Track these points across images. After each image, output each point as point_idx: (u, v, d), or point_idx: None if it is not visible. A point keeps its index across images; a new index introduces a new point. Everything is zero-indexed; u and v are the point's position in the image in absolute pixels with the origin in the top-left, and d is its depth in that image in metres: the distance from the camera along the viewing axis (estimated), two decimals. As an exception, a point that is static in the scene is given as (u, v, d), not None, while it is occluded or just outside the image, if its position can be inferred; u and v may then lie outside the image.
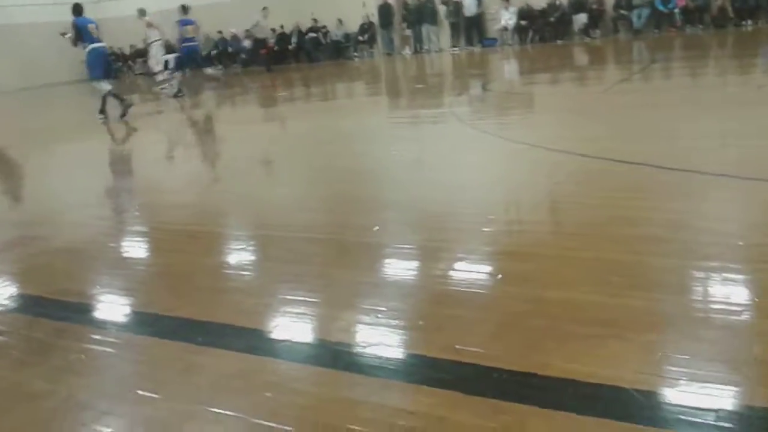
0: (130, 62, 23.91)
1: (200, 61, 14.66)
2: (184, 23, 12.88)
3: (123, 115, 9.81)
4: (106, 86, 9.80)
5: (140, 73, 22.49)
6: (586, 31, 16.64)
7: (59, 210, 4.89)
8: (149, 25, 14.17)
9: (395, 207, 3.94)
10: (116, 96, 9.92)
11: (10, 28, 21.54)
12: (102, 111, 9.83)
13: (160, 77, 14.19)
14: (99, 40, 9.68)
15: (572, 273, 2.60)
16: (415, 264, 2.99)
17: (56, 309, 2.79)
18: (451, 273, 2.76)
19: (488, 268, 2.84)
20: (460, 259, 2.90)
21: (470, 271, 2.77)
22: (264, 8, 17.93)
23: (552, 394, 1.80)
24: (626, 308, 2.24)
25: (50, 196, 5.58)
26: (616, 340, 2.03)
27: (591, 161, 4.41)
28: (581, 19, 16.70)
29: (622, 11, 16.23)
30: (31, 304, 2.92)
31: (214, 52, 21.70)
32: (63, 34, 9.92)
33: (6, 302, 2.97)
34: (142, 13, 14.29)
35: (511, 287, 2.55)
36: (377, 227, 3.52)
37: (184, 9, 13.03)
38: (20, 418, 1.93)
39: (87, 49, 9.57)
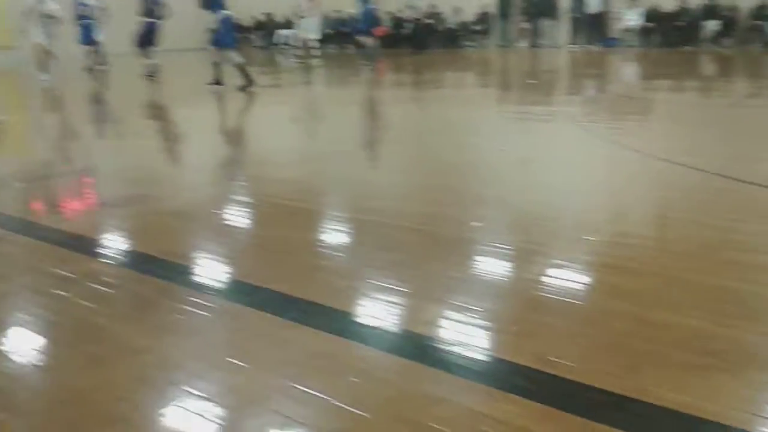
0: (247, 34, 24.61)
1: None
2: None
3: (243, 89, 9.74)
4: (237, 57, 9.72)
5: (259, 46, 23.18)
6: (716, 38, 15.71)
7: (174, 172, 5.12)
8: None
9: (496, 204, 3.87)
10: (243, 69, 9.78)
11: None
12: (218, 82, 9.79)
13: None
14: (228, 8, 9.69)
15: (680, 295, 2.46)
16: (511, 265, 2.93)
17: (162, 268, 2.91)
18: (549, 279, 2.68)
19: (589, 279, 2.73)
20: (560, 266, 2.81)
21: (569, 280, 2.68)
22: None
23: (647, 422, 1.71)
24: (737, 340, 2.10)
25: (167, 159, 5.85)
26: (722, 374, 1.91)
27: (709, 178, 4.17)
28: (712, 25, 15.77)
29: (758, 21, 15.20)
30: (140, 261, 3.07)
31: (329, 31, 22.03)
32: None
33: (118, 256, 3.14)
34: None
35: (613, 302, 2.44)
36: (476, 223, 3.47)
37: None
38: (118, 371, 2.03)
39: (220, 17, 9.46)
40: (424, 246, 3.14)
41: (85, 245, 3.26)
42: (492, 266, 2.90)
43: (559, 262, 2.85)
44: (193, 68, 15.50)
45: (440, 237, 3.26)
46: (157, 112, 9.20)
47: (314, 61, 14.76)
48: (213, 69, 9.79)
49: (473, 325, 2.28)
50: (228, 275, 2.88)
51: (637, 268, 2.77)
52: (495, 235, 3.27)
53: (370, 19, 13.96)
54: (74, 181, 4.93)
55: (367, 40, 14.23)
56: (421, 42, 20.05)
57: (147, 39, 11.91)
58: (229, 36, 9.68)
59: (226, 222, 3.76)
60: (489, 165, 5.02)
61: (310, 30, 15.20)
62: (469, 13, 19.69)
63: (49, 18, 11.42)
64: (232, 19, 9.81)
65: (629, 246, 3.08)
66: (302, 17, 15.34)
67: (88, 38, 13.56)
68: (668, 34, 16.39)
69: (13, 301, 2.64)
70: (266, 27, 23.59)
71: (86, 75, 13.47)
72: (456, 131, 6.54)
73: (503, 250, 3.05)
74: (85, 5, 13.32)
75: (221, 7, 9.49)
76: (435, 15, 20.11)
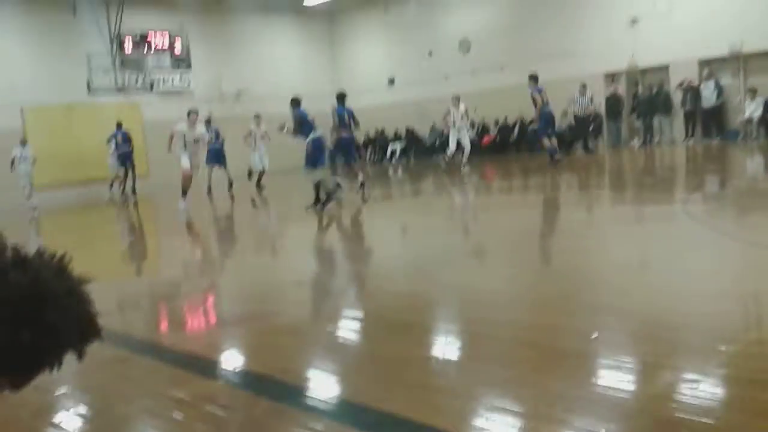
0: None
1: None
2: None
3: (315, 206, 9.62)
4: (318, 175, 9.90)
5: (372, 160, 24.15)
6: None
7: (286, 288, 5.25)
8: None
9: (616, 313, 3.64)
10: (317, 188, 9.73)
11: (269, 117, 24.32)
12: (320, 200, 9.70)
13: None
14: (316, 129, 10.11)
15: (838, 417, 2.17)
16: (636, 381, 2.71)
17: (275, 388, 2.92)
18: (680, 397, 2.44)
19: (727, 395, 2.47)
20: (692, 381, 2.56)
21: (704, 398, 2.43)
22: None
23: None
24: None
25: (278, 274, 6.04)
26: None
27: None
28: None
29: None
30: (254, 381, 3.10)
31: (438, 142, 22.66)
32: (281, 129, 10.60)
33: (233, 377, 3.20)
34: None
35: (758, 421, 2.18)
36: (595, 334, 3.27)
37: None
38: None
39: (310, 138, 9.89)
40: (541, 361, 2.99)
41: (202, 366, 3.35)
42: (615, 382, 2.69)
43: (690, 376, 2.61)
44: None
45: (557, 350, 3.10)
46: (273, 230, 9.62)
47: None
48: (314, 189, 9.83)
49: (597, 451, 2.09)
50: (339, 395, 2.84)
51: (783, 383, 2.48)
52: (617, 347, 3.06)
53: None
54: (196, 301, 5.15)
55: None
56: (529, 146, 20.12)
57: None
58: (320, 155, 10.02)
59: (338, 338, 3.76)
60: (605, 271, 4.80)
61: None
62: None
63: (196, 143, 12.33)
64: (321, 139, 10.16)
65: (771, 358, 2.78)
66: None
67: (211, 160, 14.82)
68: (794, 123, 15.54)
69: (132, 425, 2.72)
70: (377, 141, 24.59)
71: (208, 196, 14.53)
72: (567, 236, 6.36)
73: (628, 364, 2.84)
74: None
75: (311, 129, 9.99)
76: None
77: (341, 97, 10.76)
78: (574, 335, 3.29)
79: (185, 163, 12.33)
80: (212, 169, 15.17)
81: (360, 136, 16.42)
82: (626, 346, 3.08)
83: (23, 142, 15.73)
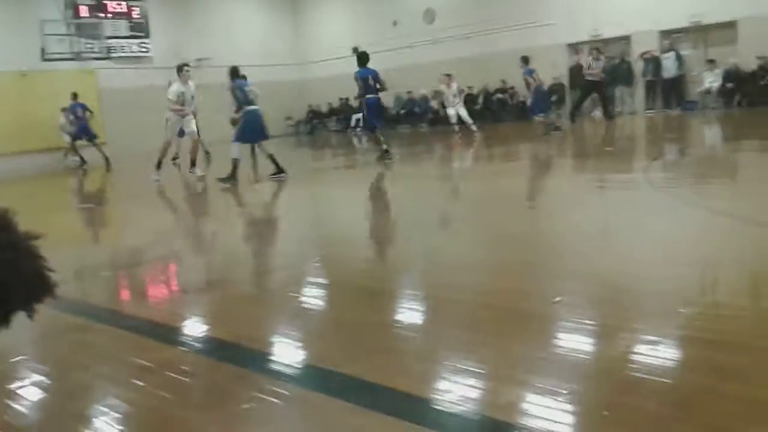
0: (324, 119, 25.57)
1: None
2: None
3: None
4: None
5: (335, 130, 24.03)
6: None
7: (251, 256, 5.20)
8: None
9: (578, 278, 3.69)
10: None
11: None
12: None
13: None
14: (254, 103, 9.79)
15: (790, 373, 2.23)
16: (597, 343, 2.75)
17: (239, 355, 2.90)
18: (640, 358, 2.49)
19: (684, 356, 2.53)
20: (651, 343, 2.61)
21: (662, 358, 2.48)
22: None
23: None
24: None
25: (241, 241, 5.97)
26: None
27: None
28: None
29: None
30: (217, 348, 3.06)
31: (402, 111, 22.58)
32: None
33: (196, 343, 3.16)
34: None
35: (716, 382, 2.23)
36: (558, 298, 3.31)
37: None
38: (192, 462, 1.98)
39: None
40: (503, 324, 3.01)
41: (164, 333, 3.30)
42: (577, 344, 2.73)
43: (650, 338, 2.66)
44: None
45: (521, 314, 3.13)
46: (240, 198, 9.50)
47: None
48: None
49: (559, 409, 2.12)
50: (303, 360, 2.83)
51: (740, 342, 2.55)
52: (579, 310, 3.10)
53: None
54: (158, 269, 5.07)
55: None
56: (494, 116, 20.20)
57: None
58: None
59: (302, 305, 3.74)
60: (568, 237, 4.85)
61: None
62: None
63: (193, 100, 11.63)
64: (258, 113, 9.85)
65: (729, 318, 2.85)
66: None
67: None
68: (750, 94, 15.85)
69: (91, 392, 2.66)
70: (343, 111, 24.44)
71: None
72: (533, 203, 6.41)
73: (588, 327, 2.88)
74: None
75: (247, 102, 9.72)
76: (506, 90, 20.28)
77: (363, 58, 10.57)
78: (537, 299, 3.32)
79: (192, 127, 11.57)
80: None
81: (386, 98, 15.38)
82: (588, 309, 3.12)
83: None
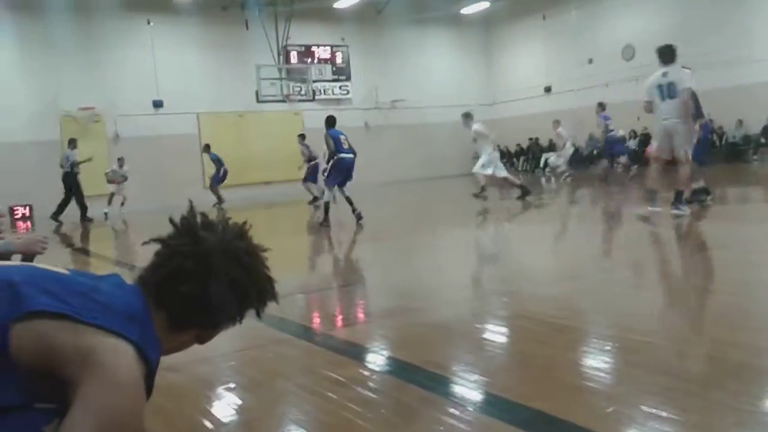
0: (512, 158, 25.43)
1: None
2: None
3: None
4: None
5: (522, 170, 23.79)
6: None
7: (437, 286, 5.30)
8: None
9: (798, 330, 3.32)
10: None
11: (424, 127, 24.72)
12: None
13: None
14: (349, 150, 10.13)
15: None
16: (822, 402, 2.44)
17: (424, 378, 2.95)
18: None
19: None
20: None
21: None
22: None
23: None
24: None
25: (431, 273, 6.10)
26: None
27: None
28: None
29: None
30: (403, 369, 3.15)
31: (596, 151, 21.84)
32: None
33: (381, 364, 3.27)
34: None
35: None
36: (773, 350, 2.99)
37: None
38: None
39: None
40: (709, 373, 2.78)
41: (354, 352, 3.46)
42: (796, 401, 2.45)
43: None
44: (459, 191, 16.28)
45: (730, 364, 2.86)
46: (427, 230, 9.73)
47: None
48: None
49: (774, 468, 1.91)
50: (487, 390, 2.81)
51: None
52: (798, 365, 2.78)
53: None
54: (349, 294, 5.33)
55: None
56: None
57: None
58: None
59: (487, 336, 3.73)
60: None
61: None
62: (755, 126, 18.13)
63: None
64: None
65: None
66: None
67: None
68: None
69: (291, 399, 2.86)
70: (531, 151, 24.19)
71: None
72: (742, 248, 5.87)
73: (810, 384, 2.57)
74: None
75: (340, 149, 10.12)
76: (714, 130, 18.88)
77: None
78: (748, 349, 3.03)
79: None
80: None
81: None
82: (809, 364, 2.79)
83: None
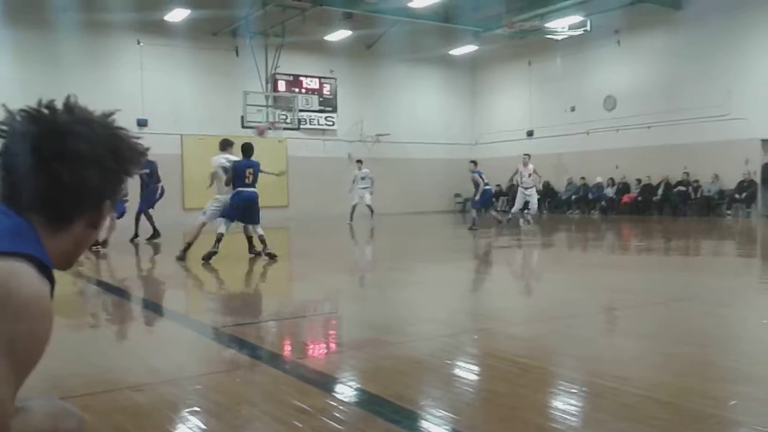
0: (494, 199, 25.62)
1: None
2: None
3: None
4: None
5: (502, 210, 24.02)
6: None
7: (410, 321, 5.31)
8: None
9: (758, 383, 3.37)
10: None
11: (406, 162, 24.92)
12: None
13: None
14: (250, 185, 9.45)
15: None
16: (780, 455, 2.48)
17: (391, 411, 2.95)
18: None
19: None
20: None
21: None
22: None
23: None
24: None
25: (405, 307, 6.10)
26: None
27: None
28: None
29: None
30: (370, 402, 3.14)
31: (574, 197, 22.12)
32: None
33: (349, 395, 3.26)
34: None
35: None
36: (734, 402, 3.04)
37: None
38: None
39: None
40: (673, 421, 2.81)
41: (323, 381, 3.45)
42: (754, 453, 2.48)
43: None
44: (440, 227, 16.37)
45: (693, 413, 2.90)
46: (404, 266, 9.75)
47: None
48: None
49: None
50: (453, 426, 2.82)
51: None
52: (756, 416, 2.82)
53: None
54: (321, 324, 5.32)
55: None
56: (674, 208, 19.20)
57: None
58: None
59: (456, 372, 3.74)
60: (750, 338, 4.45)
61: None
62: (730, 181, 18.52)
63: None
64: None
65: None
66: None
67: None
68: None
69: (255, 425, 2.84)
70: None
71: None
72: (707, 299, 5.97)
73: (769, 436, 2.61)
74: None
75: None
76: (690, 183, 19.26)
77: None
78: (709, 400, 3.07)
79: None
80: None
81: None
82: (766, 416, 2.83)
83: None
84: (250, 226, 9.82)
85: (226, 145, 10.20)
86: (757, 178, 17.94)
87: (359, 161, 19.12)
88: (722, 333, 4.74)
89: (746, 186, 18.06)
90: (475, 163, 16.09)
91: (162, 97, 20.51)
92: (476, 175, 15.26)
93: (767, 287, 7.04)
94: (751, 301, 6.09)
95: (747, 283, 7.37)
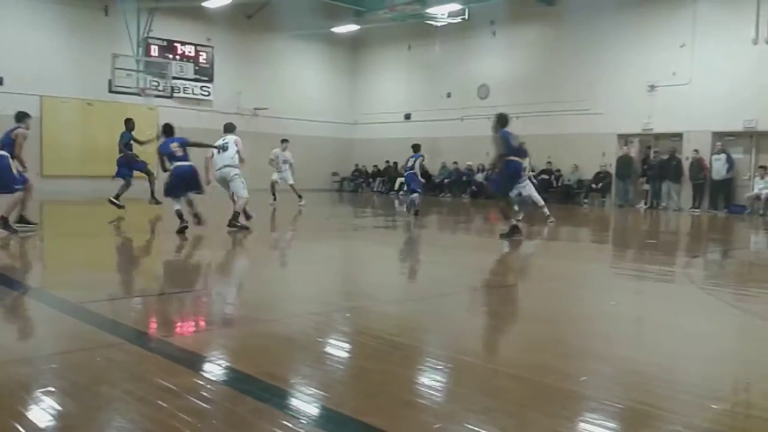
0: (369, 179, 25.93)
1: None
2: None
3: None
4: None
5: (378, 191, 24.36)
6: None
7: (283, 298, 5.27)
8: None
9: (607, 360, 3.66)
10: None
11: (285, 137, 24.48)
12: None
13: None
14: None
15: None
16: (624, 424, 2.71)
17: (260, 389, 2.93)
18: (663, 445, 2.44)
19: (708, 450, 2.47)
20: (676, 432, 2.56)
21: (686, 448, 2.43)
22: None
23: None
24: None
25: (279, 285, 6.05)
26: None
27: None
28: None
29: None
30: (239, 380, 3.10)
31: (446, 180, 22.81)
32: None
33: (217, 373, 3.20)
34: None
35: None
36: (584, 378, 3.28)
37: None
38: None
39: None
40: (525, 395, 2.99)
41: (190, 360, 3.36)
42: (602, 423, 2.69)
43: (678, 428, 2.61)
44: (315, 206, 16.32)
45: (546, 388, 3.10)
46: (278, 242, 9.65)
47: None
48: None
49: (575, 484, 2.09)
50: (322, 403, 2.84)
51: (767, 443, 2.48)
52: (604, 391, 3.06)
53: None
54: (191, 300, 5.16)
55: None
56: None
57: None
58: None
59: (327, 350, 3.77)
60: (600, 319, 4.81)
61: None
62: (588, 172, 19.80)
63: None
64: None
65: (755, 419, 2.79)
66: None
67: None
68: (801, 204, 15.62)
69: (116, 406, 2.72)
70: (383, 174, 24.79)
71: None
72: (566, 283, 6.37)
73: (613, 408, 2.84)
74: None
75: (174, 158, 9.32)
76: (552, 171, 20.39)
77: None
78: (562, 375, 3.29)
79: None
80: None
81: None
82: (614, 391, 3.08)
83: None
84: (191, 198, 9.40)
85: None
86: (612, 170, 19.28)
87: (285, 140, 17.08)
88: (576, 312, 5.07)
89: (602, 177, 19.39)
90: (414, 147, 14.42)
91: (20, 54, 18.93)
92: (411, 160, 14.02)
93: (617, 271, 7.62)
94: (606, 285, 6.57)
95: (600, 269, 7.93)
